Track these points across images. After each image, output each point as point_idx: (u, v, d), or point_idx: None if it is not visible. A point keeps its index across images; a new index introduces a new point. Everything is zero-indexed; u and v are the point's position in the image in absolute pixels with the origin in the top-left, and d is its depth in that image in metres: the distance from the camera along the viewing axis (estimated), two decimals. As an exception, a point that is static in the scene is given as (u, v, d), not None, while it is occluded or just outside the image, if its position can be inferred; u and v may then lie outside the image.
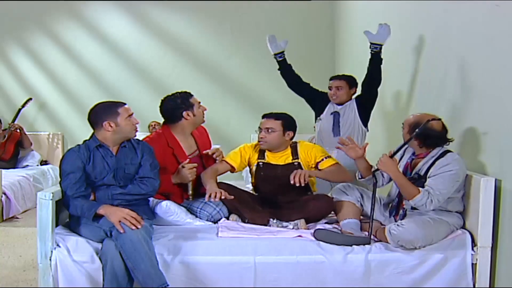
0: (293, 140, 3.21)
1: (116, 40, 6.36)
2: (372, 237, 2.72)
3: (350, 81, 3.82)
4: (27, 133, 6.00)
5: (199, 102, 3.17)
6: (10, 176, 5.11)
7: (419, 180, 2.70)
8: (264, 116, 3.17)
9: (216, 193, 2.79)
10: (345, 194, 2.96)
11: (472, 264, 2.63)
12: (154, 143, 2.95)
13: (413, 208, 2.78)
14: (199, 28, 6.38)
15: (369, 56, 3.66)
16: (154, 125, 6.03)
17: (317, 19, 6.35)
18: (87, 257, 2.57)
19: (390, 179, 2.91)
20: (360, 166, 2.97)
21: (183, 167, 2.97)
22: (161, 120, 3.22)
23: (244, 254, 2.61)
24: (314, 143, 3.55)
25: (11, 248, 3.84)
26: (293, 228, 2.86)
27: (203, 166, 3.18)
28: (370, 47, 3.64)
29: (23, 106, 6.06)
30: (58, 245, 2.59)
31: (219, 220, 2.98)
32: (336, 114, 3.79)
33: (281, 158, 3.16)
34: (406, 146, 2.81)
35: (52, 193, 2.56)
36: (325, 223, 3.01)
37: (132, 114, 2.72)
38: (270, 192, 3.15)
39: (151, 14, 6.36)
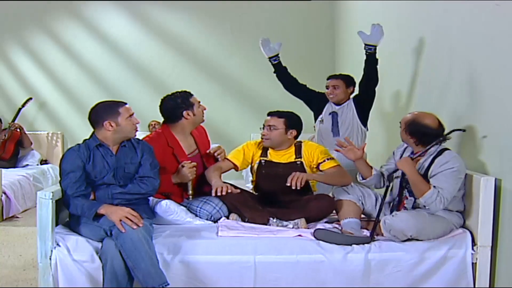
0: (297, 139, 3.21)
1: (116, 39, 6.37)
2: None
3: (347, 80, 3.83)
4: (27, 132, 6.01)
5: (199, 102, 3.18)
6: (10, 175, 5.12)
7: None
8: (269, 114, 3.20)
9: (222, 187, 2.80)
10: (346, 193, 2.96)
11: (472, 263, 2.64)
12: (154, 143, 2.95)
13: (414, 207, 2.79)
14: (199, 28, 6.39)
15: (365, 57, 3.66)
16: (154, 124, 6.03)
17: (317, 19, 6.35)
18: (87, 256, 2.56)
19: (390, 179, 2.91)
20: (360, 167, 2.97)
21: (183, 166, 2.97)
22: (161, 119, 3.22)
23: (244, 254, 2.61)
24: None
25: (11, 248, 3.84)
26: (293, 228, 2.85)
27: (203, 165, 3.18)
28: (364, 48, 3.64)
29: (23, 105, 6.08)
30: (58, 244, 2.59)
31: (219, 219, 2.97)
32: (334, 114, 3.80)
33: (284, 156, 3.16)
34: (407, 145, 2.81)
35: (52, 192, 2.55)
36: (325, 222, 3.02)
37: (132, 114, 2.72)
38: (270, 191, 3.15)
39: (151, 13, 6.36)
